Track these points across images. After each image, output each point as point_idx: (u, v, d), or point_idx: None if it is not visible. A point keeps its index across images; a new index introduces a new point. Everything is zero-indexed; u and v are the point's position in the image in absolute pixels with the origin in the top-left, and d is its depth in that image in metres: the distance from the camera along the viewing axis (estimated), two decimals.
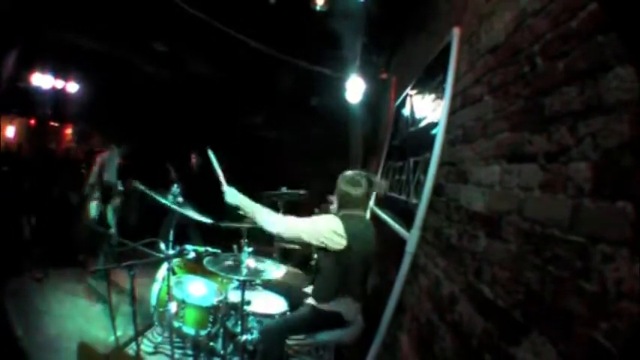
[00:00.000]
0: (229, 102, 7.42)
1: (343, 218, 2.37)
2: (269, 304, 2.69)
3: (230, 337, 2.66)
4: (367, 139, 5.49)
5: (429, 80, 2.49)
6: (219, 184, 2.48)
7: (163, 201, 2.56)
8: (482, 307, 1.28)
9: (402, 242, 2.25)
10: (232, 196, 2.46)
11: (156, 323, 2.97)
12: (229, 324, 2.63)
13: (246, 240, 2.65)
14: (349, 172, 2.58)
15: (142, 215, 5.23)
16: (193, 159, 5.55)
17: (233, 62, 5.94)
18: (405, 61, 3.88)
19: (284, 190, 3.98)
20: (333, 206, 2.58)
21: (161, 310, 2.78)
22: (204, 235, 4.69)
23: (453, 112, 1.95)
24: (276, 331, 2.33)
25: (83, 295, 3.87)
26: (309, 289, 2.61)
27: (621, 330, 0.71)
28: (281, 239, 2.41)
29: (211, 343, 2.69)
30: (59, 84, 6.89)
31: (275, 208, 3.45)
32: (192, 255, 2.37)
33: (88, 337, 2.92)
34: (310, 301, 2.45)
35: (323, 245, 2.30)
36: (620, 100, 0.79)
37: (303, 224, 2.34)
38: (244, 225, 3.00)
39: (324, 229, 2.30)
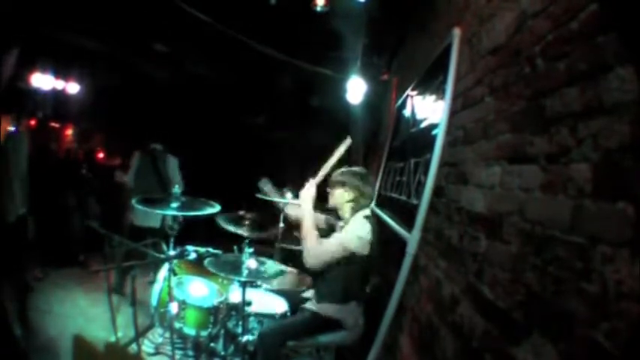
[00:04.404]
0: (230, 103, 7.43)
1: (367, 219, 2.39)
2: (270, 304, 2.69)
3: (231, 337, 2.66)
4: (368, 140, 5.49)
5: (430, 81, 2.49)
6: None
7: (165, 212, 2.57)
8: (482, 308, 1.28)
9: (402, 243, 2.25)
10: (306, 199, 2.42)
11: (157, 324, 2.97)
12: (230, 325, 2.63)
13: (247, 241, 2.65)
14: (357, 169, 2.60)
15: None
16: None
17: (233, 63, 5.95)
18: (406, 62, 3.88)
19: (286, 191, 3.98)
20: (342, 195, 2.51)
21: (162, 310, 2.78)
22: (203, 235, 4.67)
23: (453, 113, 1.95)
24: (273, 337, 2.32)
25: (84, 296, 3.87)
26: (308, 293, 2.59)
27: (621, 330, 0.71)
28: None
29: (212, 344, 2.69)
30: (60, 84, 6.89)
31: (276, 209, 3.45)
32: (193, 256, 2.37)
33: (89, 337, 2.93)
34: (310, 305, 2.44)
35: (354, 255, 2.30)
36: (620, 100, 0.79)
37: (336, 248, 2.29)
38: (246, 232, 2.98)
39: (357, 238, 2.29)
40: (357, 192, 2.47)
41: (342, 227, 2.49)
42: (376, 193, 3.85)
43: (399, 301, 2.21)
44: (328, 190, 2.59)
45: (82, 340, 1.79)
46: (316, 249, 2.30)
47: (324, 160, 2.59)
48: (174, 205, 2.54)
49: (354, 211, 2.47)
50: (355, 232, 2.32)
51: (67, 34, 5.52)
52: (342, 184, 2.49)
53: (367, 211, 2.48)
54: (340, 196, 2.52)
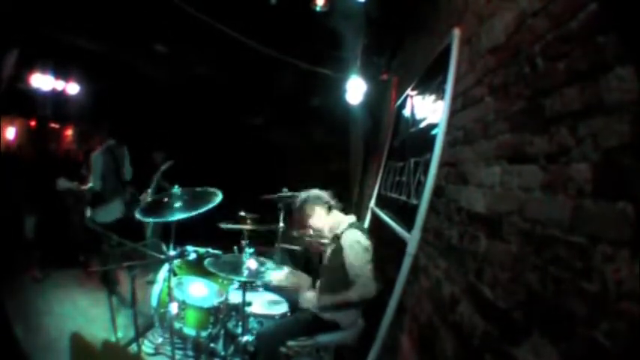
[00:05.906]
0: (229, 103, 7.42)
1: (352, 226, 2.46)
2: (270, 305, 2.69)
3: (231, 338, 2.66)
4: (368, 140, 5.49)
5: (430, 81, 2.49)
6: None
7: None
8: (482, 307, 1.28)
9: (402, 243, 2.24)
10: (308, 299, 2.45)
11: (156, 324, 2.97)
12: (230, 325, 2.63)
13: (247, 241, 2.65)
14: (310, 195, 2.63)
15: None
16: (155, 157, 5.36)
17: (233, 63, 5.95)
18: (406, 62, 3.88)
19: (285, 191, 3.98)
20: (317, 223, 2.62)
21: (162, 311, 2.78)
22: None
23: (453, 112, 1.95)
24: (273, 337, 2.33)
25: (84, 296, 3.87)
26: (310, 294, 2.58)
27: (621, 330, 0.71)
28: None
29: (212, 345, 2.69)
30: (59, 85, 6.89)
31: (276, 210, 3.46)
32: (193, 256, 2.37)
33: (89, 337, 2.93)
34: (312, 308, 2.45)
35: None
36: (620, 100, 0.79)
37: (360, 268, 2.33)
38: (244, 227, 2.99)
39: (365, 250, 2.37)
40: (324, 203, 2.59)
41: (332, 250, 2.56)
42: (376, 192, 3.85)
43: (399, 301, 2.21)
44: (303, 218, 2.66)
45: (79, 338, 1.77)
46: (359, 290, 2.30)
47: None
48: (178, 205, 2.50)
49: (337, 222, 2.57)
50: (356, 246, 2.37)
51: (66, 34, 5.51)
52: (311, 206, 2.60)
53: (350, 218, 2.60)
54: (319, 215, 2.61)
